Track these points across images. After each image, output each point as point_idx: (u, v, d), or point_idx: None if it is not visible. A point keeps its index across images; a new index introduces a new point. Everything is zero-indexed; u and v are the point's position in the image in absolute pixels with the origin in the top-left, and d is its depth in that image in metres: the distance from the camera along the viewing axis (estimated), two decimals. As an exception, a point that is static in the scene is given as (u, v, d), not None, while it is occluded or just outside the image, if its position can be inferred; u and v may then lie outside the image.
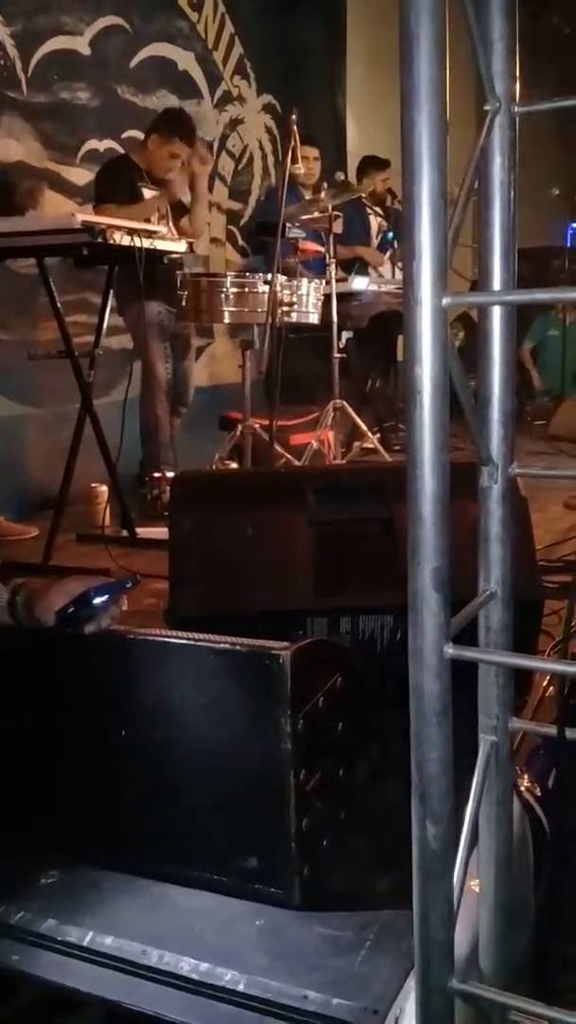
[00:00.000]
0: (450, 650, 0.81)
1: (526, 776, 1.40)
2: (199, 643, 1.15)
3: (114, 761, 1.19)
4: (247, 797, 1.15)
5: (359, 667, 1.36)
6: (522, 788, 1.34)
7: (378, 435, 4.67)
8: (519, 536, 1.05)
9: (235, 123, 5.64)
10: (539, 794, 1.35)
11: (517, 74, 0.89)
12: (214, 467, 3.87)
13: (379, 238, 5.69)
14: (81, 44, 4.33)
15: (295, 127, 3.68)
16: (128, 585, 1.18)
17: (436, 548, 0.79)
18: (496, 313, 0.93)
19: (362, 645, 1.68)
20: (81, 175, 4.30)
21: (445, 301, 0.77)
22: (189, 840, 1.16)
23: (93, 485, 3.50)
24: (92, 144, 4.39)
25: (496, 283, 0.93)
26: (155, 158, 3.88)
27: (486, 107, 0.88)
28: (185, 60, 5.11)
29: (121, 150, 4.36)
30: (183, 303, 3.51)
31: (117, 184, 3.80)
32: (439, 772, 0.83)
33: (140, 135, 4.24)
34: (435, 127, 0.76)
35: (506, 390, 0.96)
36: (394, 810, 1.11)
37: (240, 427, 3.82)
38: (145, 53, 4.77)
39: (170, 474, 3.56)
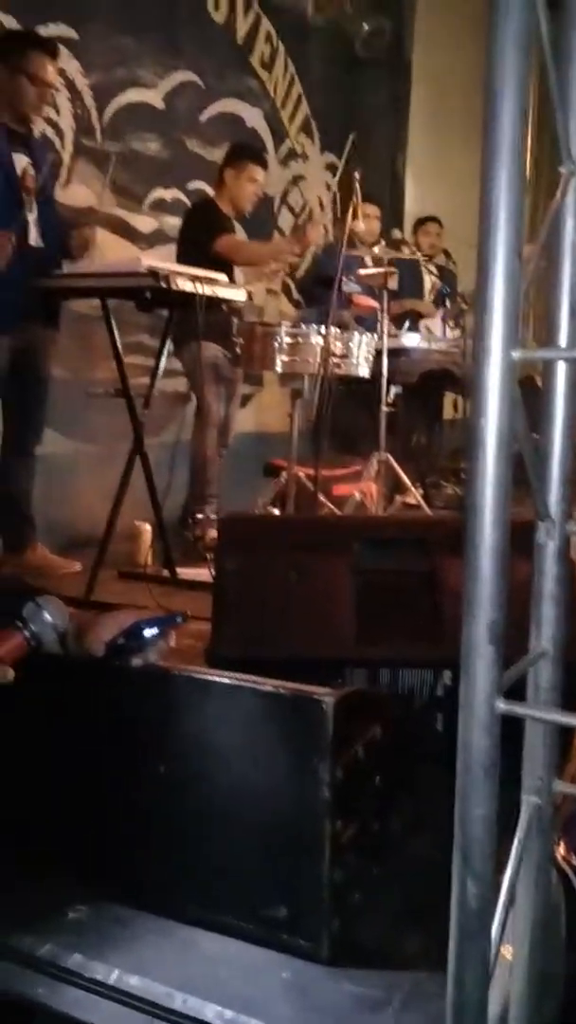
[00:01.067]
0: (501, 705, 0.80)
1: (562, 843, 1.36)
2: (242, 683, 1.15)
3: (149, 797, 1.19)
4: (280, 844, 1.13)
5: (399, 720, 1.35)
6: (558, 854, 1.31)
7: (421, 491, 4.66)
8: (570, 598, 1.04)
9: (297, 179, 5.77)
10: (574, 863, 1.32)
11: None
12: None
13: (432, 296, 5.75)
14: (155, 97, 4.48)
15: (358, 185, 3.76)
16: (178, 620, 1.19)
17: (493, 601, 0.79)
18: (561, 370, 0.93)
19: (401, 699, 1.66)
20: (146, 222, 4.42)
21: (515, 355, 0.78)
22: (219, 883, 1.15)
23: (137, 523, 3.53)
24: (159, 193, 4.51)
25: (563, 340, 0.93)
26: (236, 188, 3.99)
27: (562, 168, 0.90)
28: (253, 117, 5.26)
29: (187, 201, 4.48)
30: (237, 349, 3.57)
31: (219, 219, 3.90)
32: (483, 830, 0.81)
33: (205, 186, 4.36)
34: (514, 186, 0.77)
35: (567, 447, 0.96)
36: (428, 869, 1.09)
37: (285, 474, 3.84)
38: (215, 108, 4.91)
39: (213, 516, 3.58)
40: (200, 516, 3.67)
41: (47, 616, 1.09)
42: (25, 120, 3.12)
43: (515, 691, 0.88)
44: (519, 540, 0.90)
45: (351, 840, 1.13)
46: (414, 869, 1.20)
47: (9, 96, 3.06)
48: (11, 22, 3.59)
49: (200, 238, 3.82)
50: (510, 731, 0.93)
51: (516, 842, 0.91)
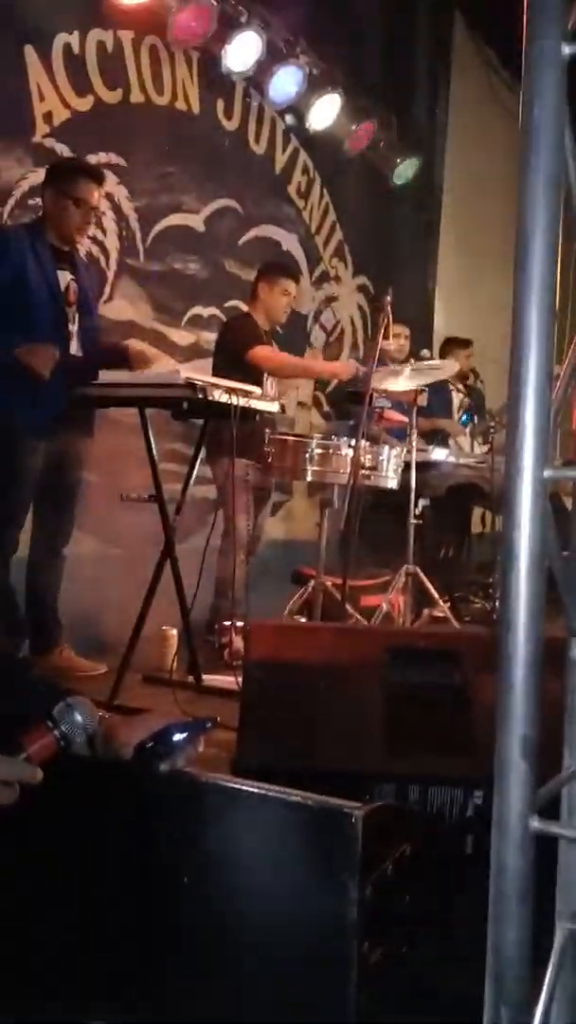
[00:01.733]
0: (535, 824, 0.80)
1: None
2: (270, 793, 1.14)
3: (172, 908, 1.16)
4: (305, 963, 1.10)
5: (428, 840, 1.32)
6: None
7: (448, 604, 4.64)
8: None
9: (330, 300, 5.99)
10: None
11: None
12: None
13: (459, 414, 5.86)
14: (196, 221, 4.72)
15: (389, 307, 3.89)
16: (207, 726, 1.19)
17: (526, 715, 0.79)
18: (592, 489, 0.95)
19: (430, 817, 1.63)
20: (183, 337, 4.59)
21: (547, 473, 0.80)
22: (241, 1001, 1.11)
23: (164, 628, 3.53)
24: (197, 310, 4.70)
25: (593, 461, 0.96)
26: (270, 301, 4.14)
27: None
28: (289, 241, 5.51)
29: (223, 317, 4.66)
30: (269, 460, 3.64)
31: (255, 330, 4.05)
32: (517, 955, 0.79)
33: (241, 305, 4.54)
34: (544, 316, 0.81)
35: (599, 564, 0.97)
36: (459, 997, 1.05)
37: (313, 583, 3.85)
38: (253, 233, 5.16)
39: (240, 623, 3.58)
40: (227, 623, 3.67)
41: (78, 717, 1.09)
42: (69, 240, 3.30)
43: (549, 813, 0.87)
44: (550, 657, 0.91)
45: (379, 963, 1.10)
46: (444, 996, 1.16)
47: (56, 218, 3.25)
48: (64, 150, 3.83)
49: (235, 348, 3.96)
50: (542, 854, 0.91)
51: (550, 970, 0.89)
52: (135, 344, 3.47)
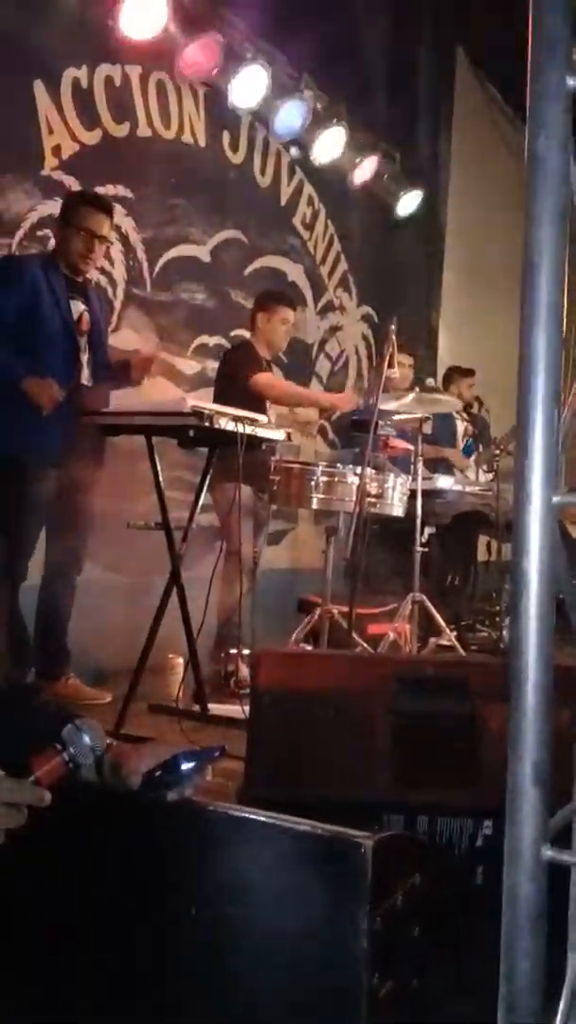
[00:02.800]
0: (548, 852, 0.79)
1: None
2: (278, 822, 1.13)
3: (179, 939, 1.15)
4: (314, 996, 1.09)
5: (438, 870, 1.31)
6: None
7: (455, 633, 4.62)
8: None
9: (334, 329, 6.03)
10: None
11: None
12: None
13: (464, 442, 5.87)
14: (203, 252, 4.77)
15: (394, 336, 3.91)
16: (215, 755, 1.18)
17: (538, 740, 0.79)
18: (601, 515, 0.96)
19: (440, 849, 1.61)
20: (189, 366, 4.62)
21: (555, 499, 0.81)
22: (249, 1038, 1.10)
23: (170, 656, 3.52)
24: (203, 339, 4.74)
25: (602, 487, 0.96)
26: (269, 331, 4.17)
27: (597, 328, 0.96)
28: (294, 272, 5.56)
29: (228, 345, 4.69)
30: (274, 487, 3.65)
31: (256, 358, 4.08)
32: (529, 984, 0.78)
33: (247, 334, 4.57)
34: (551, 344, 0.82)
35: (608, 590, 0.97)
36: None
37: (318, 611, 3.84)
38: (259, 263, 5.21)
39: (245, 652, 3.57)
40: (232, 651, 3.66)
41: (86, 739, 1.09)
42: (79, 270, 3.33)
43: (561, 842, 0.86)
44: (560, 685, 0.91)
45: (389, 996, 1.08)
46: (454, 1031, 1.14)
47: (66, 248, 3.29)
48: (72, 183, 3.88)
49: (237, 375, 3.99)
50: (559, 883, 0.90)
51: (563, 1000, 0.88)
52: (143, 351, 3.49)
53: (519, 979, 0.78)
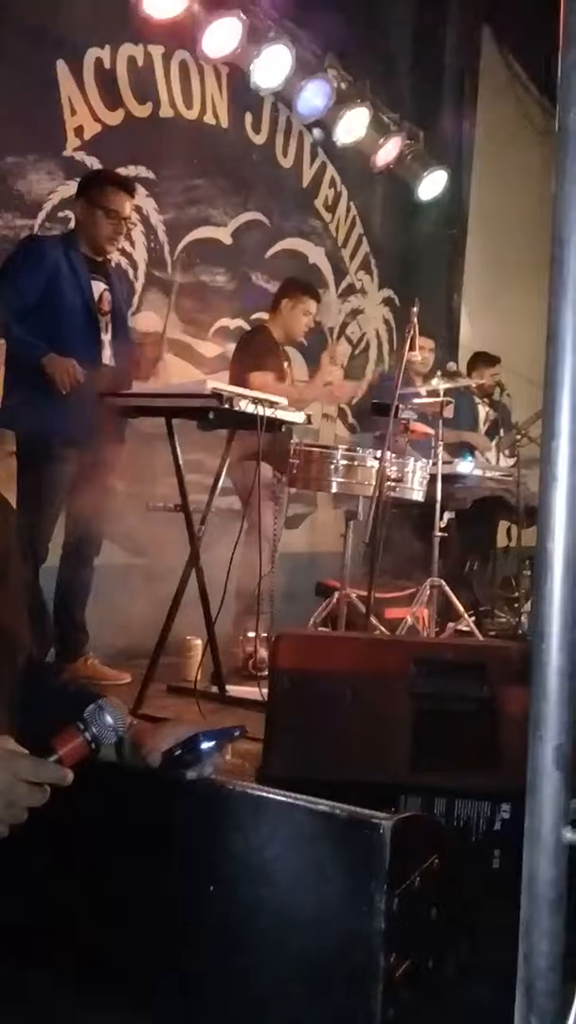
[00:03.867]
0: (568, 834, 0.79)
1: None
2: (297, 802, 1.14)
3: (197, 917, 1.16)
4: (330, 975, 1.09)
5: (456, 853, 1.31)
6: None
7: (473, 618, 4.61)
8: None
9: (355, 312, 6.00)
10: None
11: None
12: (307, 633, 3.87)
13: (486, 427, 5.84)
14: (224, 234, 4.75)
15: (415, 319, 3.89)
16: (235, 734, 1.18)
17: (561, 724, 0.78)
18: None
19: (457, 831, 1.61)
20: (210, 348, 4.61)
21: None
22: (264, 1011, 1.11)
23: (188, 638, 3.54)
24: (224, 322, 4.73)
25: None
26: (290, 319, 4.18)
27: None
28: (316, 254, 5.53)
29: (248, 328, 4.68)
30: (294, 470, 3.64)
31: (267, 348, 4.08)
32: (549, 966, 0.78)
33: (266, 316, 4.56)
34: (580, 321, 0.81)
35: None
36: (486, 1013, 1.04)
37: (337, 595, 3.84)
38: (280, 246, 5.18)
39: (264, 634, 3.57)
40: (251, 634, 3.67)
41: (108, 719, 1.09)
42: (100, 250, 3.33)
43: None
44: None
45: (405, 976, 1.09)
46: (471, 1012, 1.14)
47: (88, 228, 3.29)
48: (95, 163, 3.87)
49: (244, 363, 3.99)
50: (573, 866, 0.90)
51: (582, 985, 0.87)
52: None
53: (538, 960, 0.77)
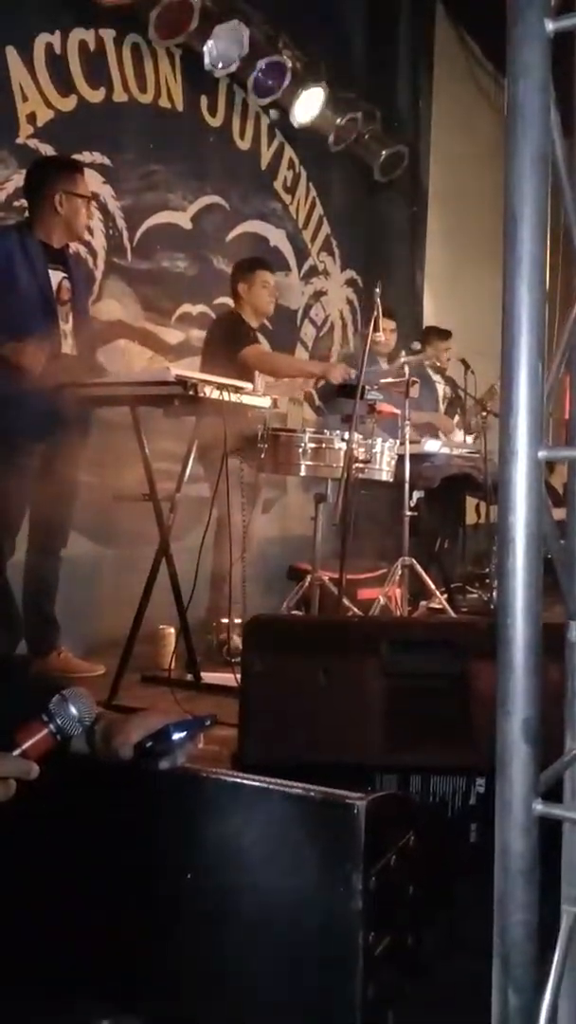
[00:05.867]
0: (539, 807, 0.79)
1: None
2: (271, 786, 1.14)
3: (175, 906, 1.16)
4: (310, 957, 1.09)
5: (432, 829, 1.32)
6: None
7: (445, 595, 4.64)
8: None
9: (319, 294, 5.98)
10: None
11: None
12: (281, 617, 3.87)
13: (445, 404, 5.85)
14: (183, 219, 4.71)
15: (378, 299, 3.88)
16: (206, 723, 1.18)
17: (527, 697, 0.79)
18: (587, 470, 0.95)
19: (433, 808, 1.63)
20: (173, 335, 4.57)
21: (541, 454, 0.80)
22: (245, 997, 1.11)
23: (161, 627, 3.52)
24: (186, 308, 4.69)
25: (587, 441, 0.96)
26: (253, 298, 4.16)
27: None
28: (277, 237, 5.50)
29: (213, 315, 4.64)
30: (262, 456, 3.63)
31: (245, 329, 4.05)
32: (524, 936, 0.79)
33: (231, 302, 4.53)
34: (535, 299, 0.81)
35: (595, 546, 0.97)
36: (466, 986, 1.05)
37: (309, 578, 3.85)
38: (240, 229, 5.14)
39: (237, 620, 3.57)
40: (224, 620, 3.66)
41: (72, 710, 1.08)
42: (79, 236, 3.30)
43: (552, 798, 0.87)
44: (550, 644, 0.90)
45: (385, 954, 1.09)
46: (451, 987, 1.15)
47: (44, 216, 3.24)
48: (49, 150, 3.82)
49: (227, 348, 3.95)
50: (551, 838, 0.91)
51: (557, 954, 0.88)
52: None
53: (513, 932, 0.78)
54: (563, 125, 0.84)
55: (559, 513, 0.90)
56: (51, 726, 1.06)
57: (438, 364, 5.64)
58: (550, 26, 0.79)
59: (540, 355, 0.81)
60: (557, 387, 0.88)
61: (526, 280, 0.80)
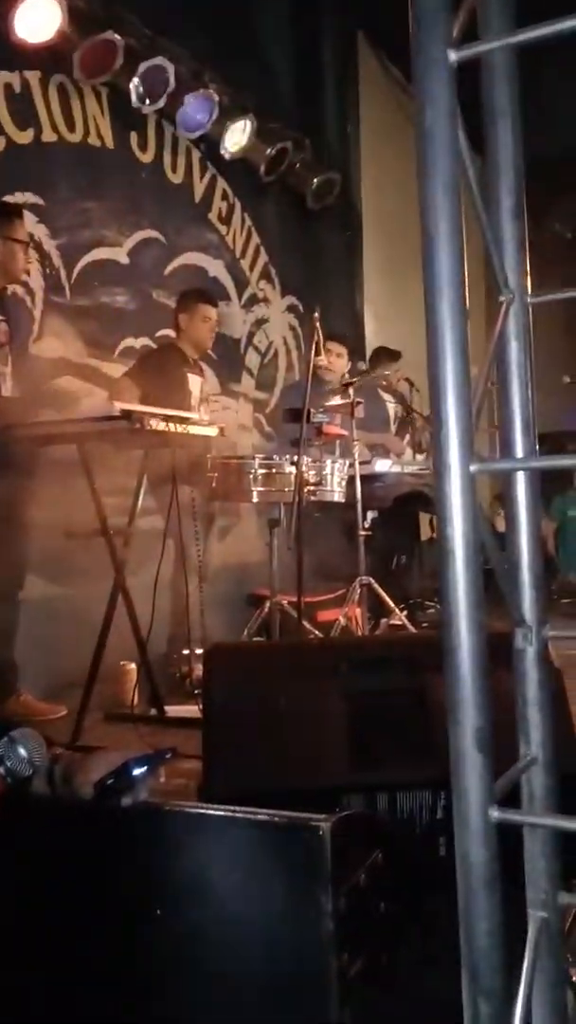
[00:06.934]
0: (495, 813, 0.80)
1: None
2: (236, 815, 1.13)
3: (146, 942, 1.14)
4: (284, 982, 1.09)
5: (400, 845, 1.32)
6: (573, 975, 1.26)
7: (405, 612, 4.67)
8: (556, 709, 1.04)
9: (260, 322, 6.02)
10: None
11: (527, 268, 0.98)
12: (242, 645, 3.86)
13: (396, 424, 5.91)
14: (120, 254, 4.72)
15: (317, 323, 3.93)
16: (166, 757, 1.17)
17: (477, 705, 0.80)
18: (520, 479, 0.97)
19: (401, 824, 1.63)
20: (117, 369, 4.56)
21: (473, 468, 0.82)
22: (224, 1031, 1.10)
23: (122, 663, 3.49)
24: (129, 342, 4.69)
25: (519, 452, 0.98)
26: (192, 330, 4.25)
27: (501, 298, 0.97)
28: (215, 267, 5.54)
29: (155, 346, 4.66)
30: (213, 484, 3.64)
31: (159, 372, 4.09)
32: (489, 945, 0.79)
33: (172, 333, 4.55)
34: (456, 315, 0.83)
35: (534, 553, 0.99)
36: (443, 1002, 1.05)
37: (268, 604, 3.85)
38: (178, 262, 5.17)
39: (199, 651, 3.55)
40: (185, 652, 3.64)
41: (21, 751, 1.07)
42: (18, 280, 3.30)
43: (511, 804, 0.87)
44: (499, 652, 0.92)
45: (359, 975, 1.09)
46: (429, 1002, 1.15)
47: (5, 263, 3.24)
48: (-19, 194, 3.81)
49: (130, 374, 4.07)
50: (515, 844, 0.92)
51: (527, 959, 0.89)
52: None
53: (478, 941, 0.79)
54: (473, 144, 0.87)
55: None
56: (1, 769, 1.05)
57: (386, 384, 5.70)
58: (453, 56, 0.82)
59: (465, 370, 0.83)
60: (486, 401, 0.90)
61: (446, 298, 0.82)
